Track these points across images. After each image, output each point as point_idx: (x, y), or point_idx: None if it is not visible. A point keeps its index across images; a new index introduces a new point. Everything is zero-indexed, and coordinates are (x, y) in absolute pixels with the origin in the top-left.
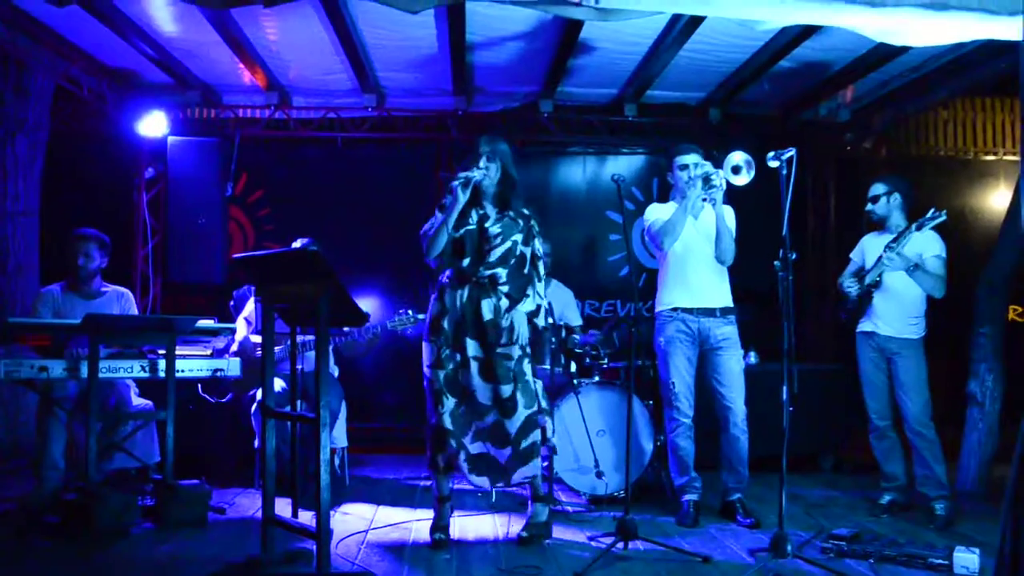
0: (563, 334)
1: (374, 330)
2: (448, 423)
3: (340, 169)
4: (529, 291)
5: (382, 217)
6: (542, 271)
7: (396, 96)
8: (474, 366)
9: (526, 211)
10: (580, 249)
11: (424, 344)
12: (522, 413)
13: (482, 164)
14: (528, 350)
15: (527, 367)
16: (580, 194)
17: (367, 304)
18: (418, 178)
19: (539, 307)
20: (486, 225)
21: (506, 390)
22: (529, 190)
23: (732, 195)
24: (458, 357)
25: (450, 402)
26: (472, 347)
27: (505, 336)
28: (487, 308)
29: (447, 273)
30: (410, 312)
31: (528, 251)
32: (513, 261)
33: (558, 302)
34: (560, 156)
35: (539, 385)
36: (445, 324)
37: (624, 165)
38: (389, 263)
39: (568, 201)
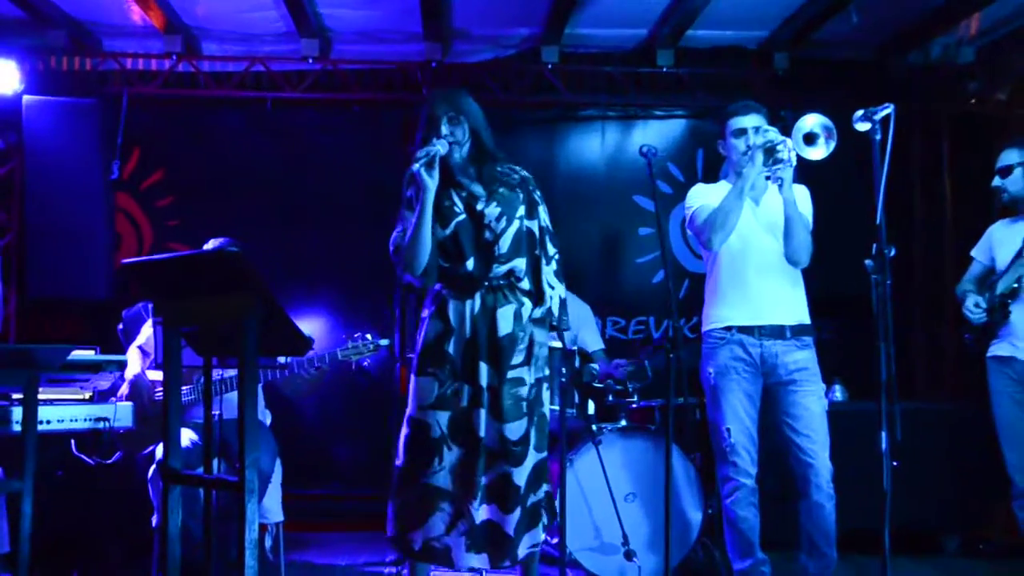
0: (577, 363)
1: (320, 361)
2: (446, 483)
3: (270, 143)
4: (549, 281)
5: (329, 208)
6: (552, 251)
7: (346, 42)
8: (486, 399)
9: (517, 170)
10: (598, 248)
11: (415, 380)
12: (532, 458)
13: (444, 130)
14: (547, 372)
15: (546, 396)
16: (597, 173)
17: (310, 326)
18: (378, 154)
19: (556, 300)
20: (479, 207)
21: (515, 429)
22: (528, 168)
23: (807, 171)
24: (468, 391)
25: (452, 455)
26: (485, 374)
27: (521, 354)
28: (505, 318)
29: (442, 283)
30: (368, 337)
31: (535, 225)
32: (526, 245)
33: (571, 318)
34: (569, 123)
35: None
36: (451, 348)
37: (656, 133)
38: (340, 270)
39: (581, 183)
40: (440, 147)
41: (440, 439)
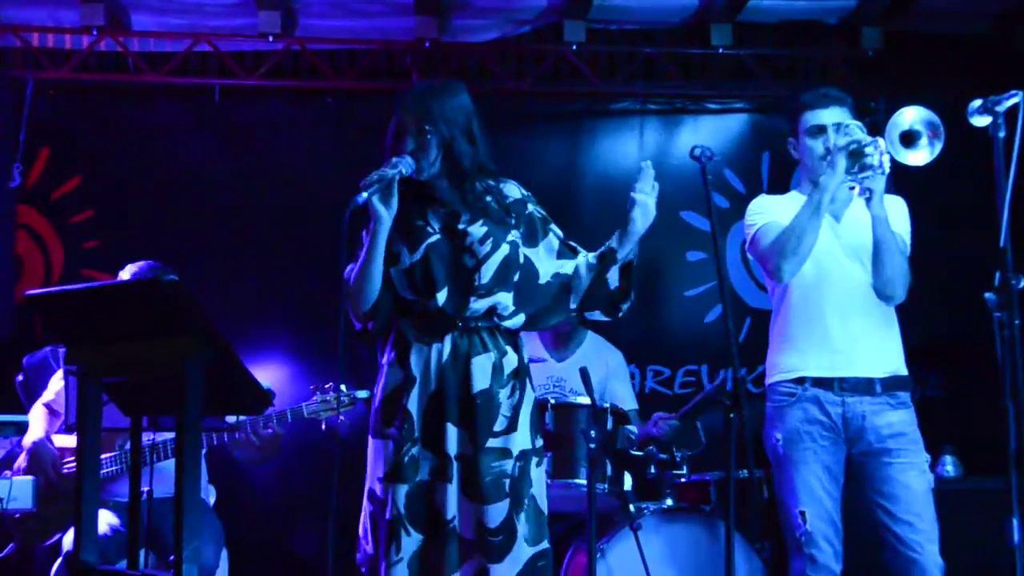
0: (609, 424)
1: (280, 419)
2: None
3: (218, 143)
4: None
5: (295, 226)
6: (577, 265)
7: (316, 15)
8: (455, 472)
9: (512, 187)
10: (638, 279)
11: (372, 442)
12: (523, 553)
13: (408, 147)
14: (539, 444)
15: (536, 474)
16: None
17: (269, 375)
18: (357, 158)
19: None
20: (459, 226)
21: (494, 514)
22: (546, 176)
23: (904, 179)
24: (432, 461)
25: (412, 542)
26: (455, 440)
27: (504, 419)
28: (482, 370)
29: (405, 323)
30: (342, 388)
31: (538, 252)
32: (519, 276)
33: (597, 368)
34: (599, 118)
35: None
36: (411, 404)
37: (710, 131)
38: (308, 304)
39: (614, 195)
40: (402, 167)
41: (396, 521)
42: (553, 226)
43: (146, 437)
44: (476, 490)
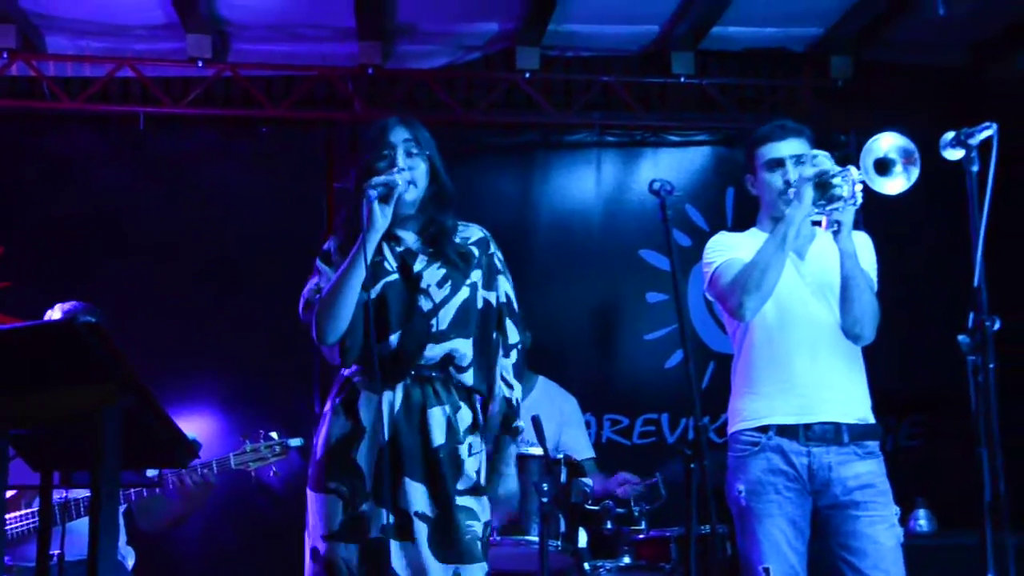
0: (563, 476)
1: (206, 471)
2: None
3: (142, 176)
4: (505, 377)
5: (224, 264)
6: (514, 336)
7: (250, 40)
8: (421, 533)
9: (472, 226)
10: (591, 320)
11: (313, 496)
12: None
13: (401, 162)
14: (488, 515)
15: (479, 547)
16: (591, 219)
17: (195, 424)
18: (292, 193)
19: (511, 403)
20: (417, 269)
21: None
22: (497, 212)
23: (871, 213)
24: (387, 519)
25: None
26: (421, 497)
27: (467, 476)
28: (437, 424)
29: (353, 369)
30: (274, 436)
31: (492, 298)
32: (475, 323)
33: (549, 416)
34: (554, 151)
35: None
36: (360, 457)
37: (672, 164)
38: (237, 347)
39: (568, 233)
40: (400, 180)
41: None
42: (507, 287)
43: (57, 495)
44: (454, 549)
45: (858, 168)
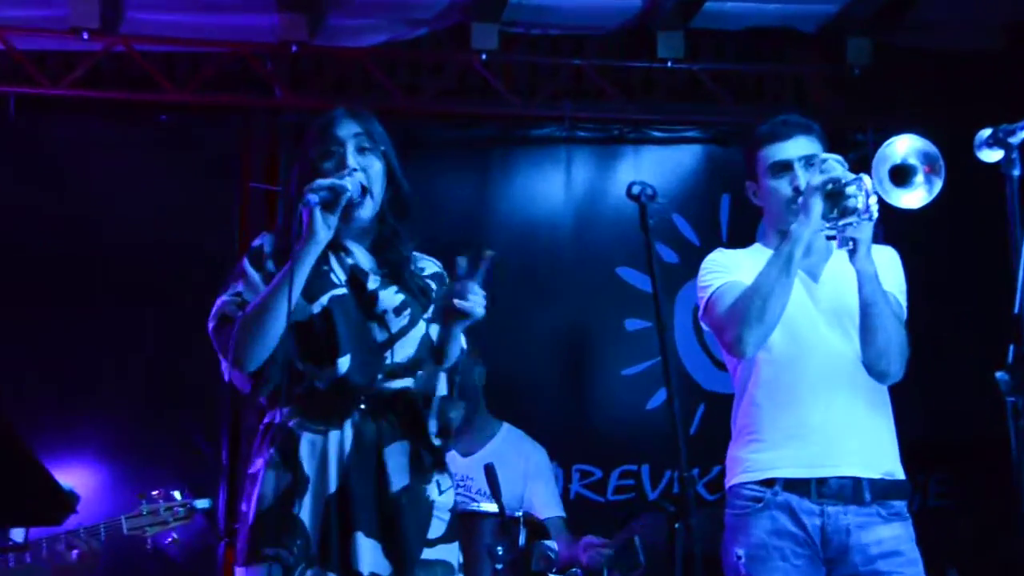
0: (521, 539)
1: (90, 536)
2: None
3: (12, 168)
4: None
5: (114, 280)
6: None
7: (148, 8)
8: None
9: (428, 262)
10: (559, 354)
11: (242, 573)
12: None
13: (350, 161)
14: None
15: None
16: (559, 230)
17: (75, 477)
18: (199, 191)
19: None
20: (371, 287)
21: None
22: (446, 220)
23: (895, 225)
24: None
25: None
26: (369, 555)
27: (441, 523)
28: (397, 462)
29: (285, 412)
30: (176, 495)
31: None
32: (428, 358)
33: (513, 467)
34: (514, 147)
35: None
36: (303, 512)
37: (656, 165)
38: (130, 384)
39: (531, 246)
40: (350, 183)
41: None
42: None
43: None
44: None
45: (868, 177)
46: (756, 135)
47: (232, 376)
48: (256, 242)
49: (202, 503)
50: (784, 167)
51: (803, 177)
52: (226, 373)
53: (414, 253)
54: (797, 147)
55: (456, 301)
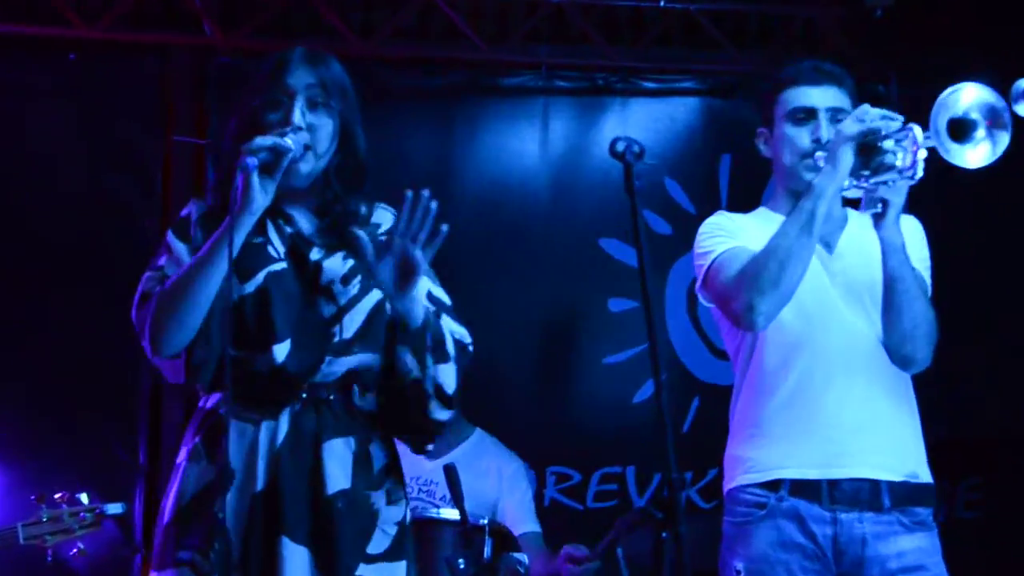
0: (488, 549)
1: None
2: None
3: None
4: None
5: (13, 246)
6: (451, 348)
7: None
8: None
9: (385, 214)
10: (534, 338)
11: None
12: None
13: (297, 118)
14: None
15: None
16: (534, 194)
17: None
18: (113, 146)
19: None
20: (314, 256)
21: None
22: (406, 178)
23: (928, 193)
24: None
25: None
26: (295, 564)
27: (382, 534)
28: (339, 459)
29: (216, 398)
30: (83, 499)
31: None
32: (382, 331)
33: (483, 475)
34: (484, 97)
35: None
36: (226, 511)
37: (645, 120)
38: (31, 366)
39: (503, 212)
40: (292, 142)
41: None
42: (434, 290)
43: None
44: None
45: (925, 129)
46: (780, 75)
47: (160, 365)
48: (184, 211)
49: (114, 508)
50: (808, 114)
51: (827, 131)
52: (160, 366)
53: (374, 207)
54: (826, 96)
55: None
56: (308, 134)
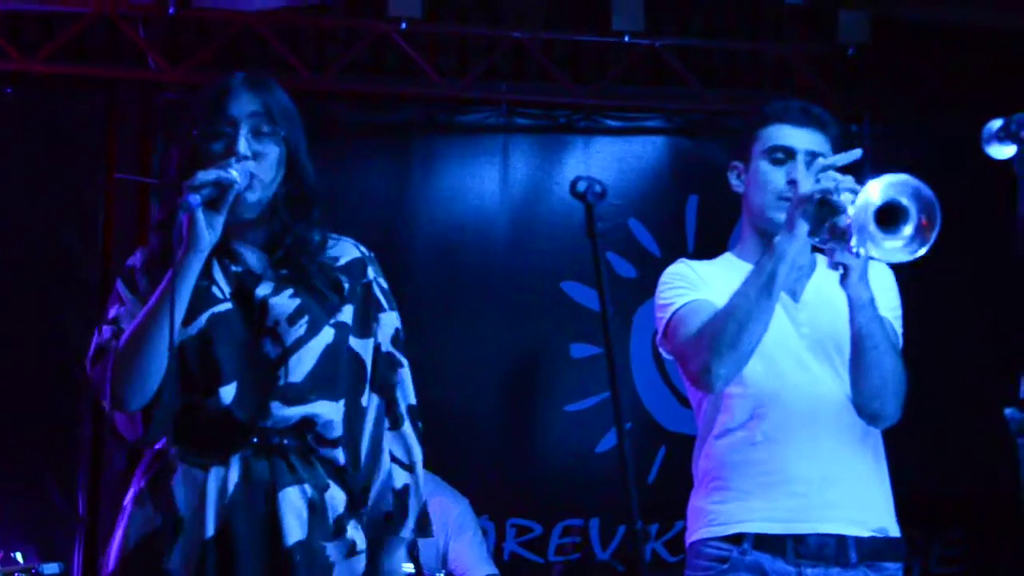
0: None
1: None
2: None
3: None
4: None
5: None
6: (411, 394)
7: None
8: None
9: (346, 244)
10: (490, 383)
11: None
12: None
13: (243, 147)
14: None
15: None
16: (493, 235)
17: None
18: (52, 186)
19: (406, 492)
20: (261, 294)
21: None
22: (360, 218)
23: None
24: None
25: None
26: None
27: None
28: (293, 511)
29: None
30: (18, 558)
31: (368, 348)
32: (341, 375)
33: (434, 523)
34: (441, 135)
35: None
36: (172, 562)
37: (609, 159)
38: None
39: (460, 254)
40: (238, 175)
41: None
42: (395, 324)
43: None
44: None
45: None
46: (763, 110)
47: (116, 421)
48: (129, 261)
49: (50, 568)
50: (786, 154)
51: (803, 177)
52: (115, 420)
53: (328, 237)
54: (807, 140)
55: None
56: (254, 162)
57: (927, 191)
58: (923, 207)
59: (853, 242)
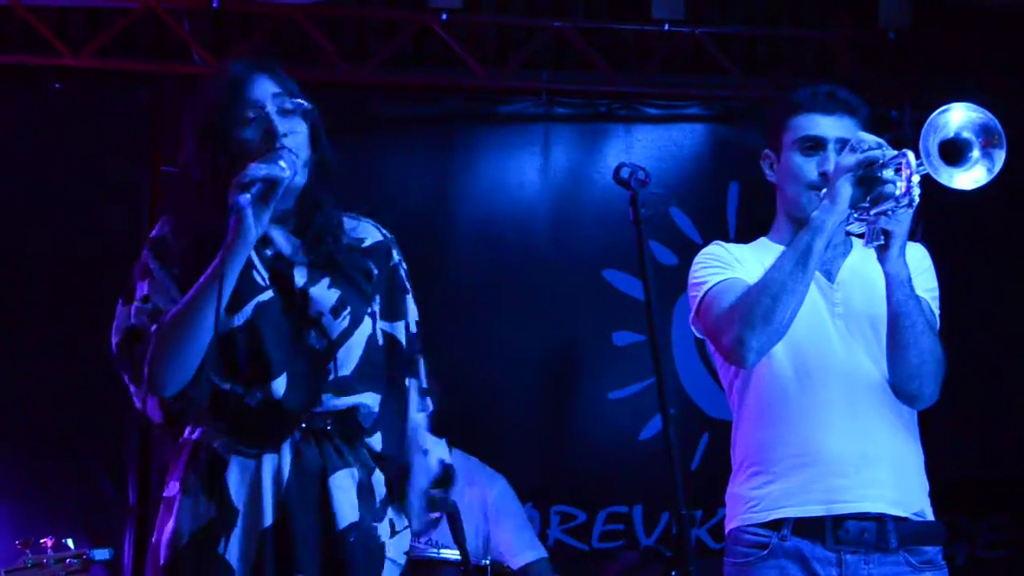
0: None
1: None
2: None
3: None
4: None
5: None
6: (425, 380)
7: None
8: None
9: (370, 223)
10: (534, 373)
11: None
12: None
13: (281, 128)
14: None
15: None
16: (534, 225)
17: None
18: (100, 178)
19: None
20: (300, 283)
21: None
22: (402, 209)
23: (928, 215)
24: None
25: None
26: None
27: (393, 565)
28: (345, 494)
29: (199, 431)
30: (69, 544)
31: (399, 330)
32: (380, 363)
33: (469, 509)
34: (482, 124)
35: None
36: (231, 552)
37: (650, 147)
38: (14, 404)
39: (502, 243)
40: (288, 169)
41: None
42: (414, 311)
43: None
44: None
45: (917, 153)
46: (791, 98)
47: (149, 405)
48: (156, 231)
49: (101, 554)
50: (816, 144)
51: (832, 157)
52: (137, 400)
53: (346, 218)
54: (837, 127)
55: None
56: (296, 152)
57: (985, 116)
58: (984, 132)
59: (914, 186)
